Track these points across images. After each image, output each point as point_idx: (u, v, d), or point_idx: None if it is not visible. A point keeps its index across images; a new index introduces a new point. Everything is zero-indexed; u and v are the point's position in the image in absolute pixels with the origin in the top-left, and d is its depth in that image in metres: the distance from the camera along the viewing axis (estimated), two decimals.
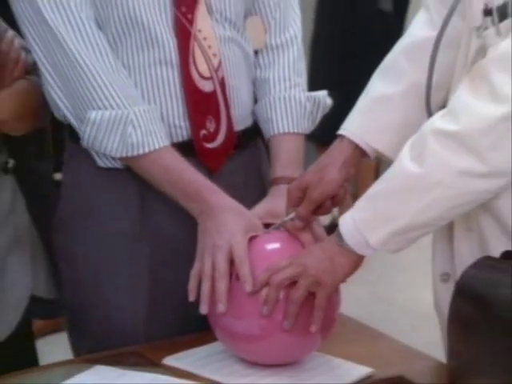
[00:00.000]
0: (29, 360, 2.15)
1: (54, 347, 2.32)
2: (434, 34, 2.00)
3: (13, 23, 2.13)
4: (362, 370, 1.95)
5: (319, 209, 2.04)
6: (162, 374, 1.95)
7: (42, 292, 2.15)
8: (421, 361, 2.04)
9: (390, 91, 2.08)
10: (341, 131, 2.06)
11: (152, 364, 1.98)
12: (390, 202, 1.83)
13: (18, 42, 2.13)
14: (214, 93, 2.09)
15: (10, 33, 2.12)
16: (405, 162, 1.81)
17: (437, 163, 1.76)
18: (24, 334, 2.12)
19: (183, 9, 2.04)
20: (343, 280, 1.93)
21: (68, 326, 2.26)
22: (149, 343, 2.09)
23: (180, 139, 2.08)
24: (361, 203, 1.88)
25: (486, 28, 1.84)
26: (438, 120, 1.79)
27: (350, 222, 1.86)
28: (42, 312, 2.23)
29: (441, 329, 2.04)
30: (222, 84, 2.11)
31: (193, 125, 2.08)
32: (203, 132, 2.09)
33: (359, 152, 2.06)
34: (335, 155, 2.06)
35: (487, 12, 1.82)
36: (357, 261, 1.89)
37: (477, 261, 1.78)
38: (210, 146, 2.10)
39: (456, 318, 1.79)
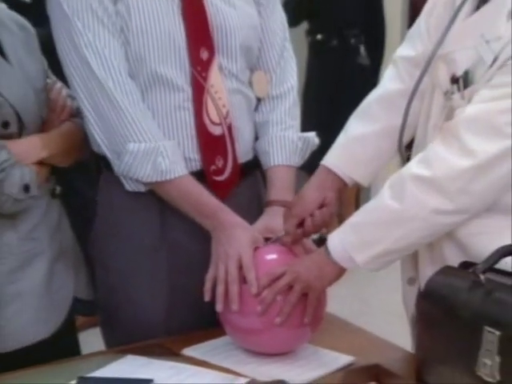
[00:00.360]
0: (72, 350, 2.14)
1: (93, 339, 2.31)
2: (400, 86, 2.06)
3: (59, 75, 2.16)
4: (345, 359, 1.96)
5: (305, 228, 2.04)
6: (182, 362, 1.95)
7: (83, 294, 2.15)
8: (393, 351, 2.04)
9: (364, 131, 2.09)
10: (322, 162, 2.08)
11: (173, 354, 1.99)
12: (373, 231, 1.84)
13: (64, 91, 2.14)
14: (222, 136, 2.10)
15: (59, 84, 2.13)
16: (386, 199, 1.83)
17: (413, 202, 1.79)
18: (69, 329, 2.12)
19: (199, 68, 2.05)
20: (329, 285, 1.95)
21: (101, 323, 2.26)
22: (170, 337, 2.08)
23: (194, 169, 2.08)
24: (347, 228, 1.90)
25: (453, 93, 1.85)
26: (415, 167, 1.82)
27: (338, 242, 1.88)
28: (83, 310, 2.23)
29: (409, 323, 2.06)
30: (230, 128, 2.11)
31: (204, 161, 2.09)
32: (213, 167, 2.10)
33: (337, 179, 2.07)
34: (314, 180, 2.08)
35: (454, 80, 1.85)
36: (341, 271, 1.90)
37: (440, 269, 1.79)
38: (218, 178, 2.11)
39: (423, 317, 1.80)
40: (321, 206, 2.06)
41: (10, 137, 1.98)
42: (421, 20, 2.09)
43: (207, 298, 1.99)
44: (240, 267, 1.97)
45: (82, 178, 2.25)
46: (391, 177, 1.87)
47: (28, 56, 2.09)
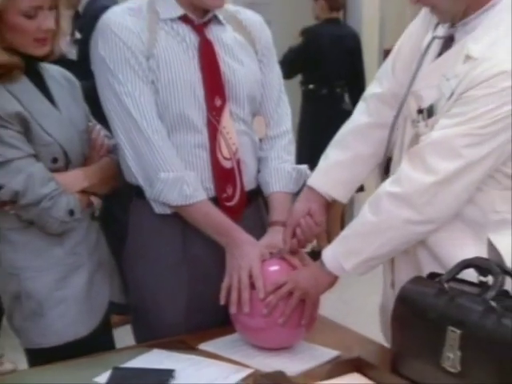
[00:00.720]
0: (108, 344, 2.15)
1: (125, 335, 2.30)
2: (368, 119, 2.06)
3: (98, 118, 2.18)
4: (333, 353, 1.96)
5: (297, 237, 2.04)
6: (198, 355, 1.96)
7: (117, 298, 2.14)
8: (372, 346, 2.03)
9: (339, 158, 2.08)
10: (307, 182, 2.10)
11: (191, 348, 1.99)
12: (357, 241, 1.86)
13: (102, 132, 2.15)
14: (232, 169, 2.09)
15: (98, 126, 2.14)
16: (365, 214, 1.84)
17: (388, 215, 1.80)
18: (105, 328, 2.12)
19: (214, 113, 2.05)
20: (323, 292, 1.95)
21: (132, 322, 2.25)
22: (188, 334, 2.07)
23: (209, 196, 2.06)
24: (337, 241, 1.90)
25: (419, 122, 1.85)
26: (388, 185, 1.82)
27: (330, 254, 1.89)
28: (117, 310, 2.22)
29: (385, 322, 2.02)
30: (238, 163, 2.10)
31: (217, 190, 2.08)
32: (224, 195, 2.09)
33: (319, 196, 2.07)
34: (301, 196, 2.10)
35: (420, 111, 1.85)
36: (333, 280, 1.92)
37: (412, 279, 1.80)
38: (229, 204, 2.10)
39: (398, 318, 1.80)
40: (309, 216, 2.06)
41: (58, 170, 1.99)
42: (387, 62, 2.09)
43: (222, 302, 1.99)
44: (250, 277, 1.98)
45: (116, 204, 2.23)
46: (371, 196, 1.88)
47: (73, 104, 2.10)
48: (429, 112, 1.84)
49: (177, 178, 2.01)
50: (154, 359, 1.94)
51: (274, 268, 2.03)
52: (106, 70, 2.01)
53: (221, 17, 2.11)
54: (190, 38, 2.06)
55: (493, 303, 1.59)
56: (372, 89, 2.12)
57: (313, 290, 1.95)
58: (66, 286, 2.02)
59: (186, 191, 2.02)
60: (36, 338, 2.02)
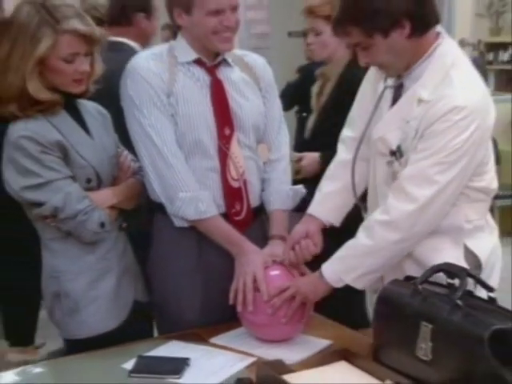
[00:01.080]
0: (133, 336, 2.06)
1: None
2: (348, 156, 2.03)
3: (125, 145, 2.18)
4: (324, 343, 1.96)
5: (295, 251, 2.03)
6: (210, 346, 1.96)
7: (141, 297, 2.13)
8: (359, 338, 2.02)
9: (331, 189, 2.08)
10: (307, 211, 2.09)
11: (204, 340, 1.99)
12: (356, 261, 1.85)
13: (129, 156, 2.15)
14: (240, 188, 2.09)
15: (125, 152, 2.14)
16: (361, 238, 1.85)
17: (380, 239, 1.81)
18: (131, 321, 2.07)
19: (223, 141, 2.05)
20: (320, 297, 1.95)
21: (155, 318, 2.25)
22: (201, 328, 2.05)
23: (220, 212, 2.06)
24: (336, 259, 1.89)
25: (393, 162, 1.86)
26: (378, 215, 1.83)
27: (330, 270, 1.89)
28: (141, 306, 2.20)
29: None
30: (245, 183, 2.10)
31: (227, 206, 2.08)
32: (233, 210, 2.08)
33: (318, 221, 2.07)
34: (302, 221, 2.08)
35: (392, 153, 1.85)
36: (329, 288, 1.91)
37: (391, 281, 1.80)
38: (237, 218, 2.09)
39: (378, 315, 1.80)
40: (306, 238, 2.05)
41: (91, 189, 1.99)
42: (353, 109, 2.09)
43: (231, 302, 2.00)
44: (254, 281, 1.98)
45: (140, 217, 2.23)
46: (363, 223, 1.89)
47: (105, 133, 2.10)
48: (399, 152, 1.84)
49: (193, 197, 2.01)
50: (173, 349, 1.94)
51: (275, 273, 2.03)
52: (133, 106, 2.02)
53: (229, 59, 2.12)
54: (204, 77, 2.07)
55: (459, 302, 1.59)
56: (346, 132, 2.12)
57: (312, 295, 1.95)
58: (97, 287, 2.01)
59: (200, 208, 2.02)
60: (73, 330, 2.02)
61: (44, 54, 1.89)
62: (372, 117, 1.90)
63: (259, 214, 2.19)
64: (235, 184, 2.09)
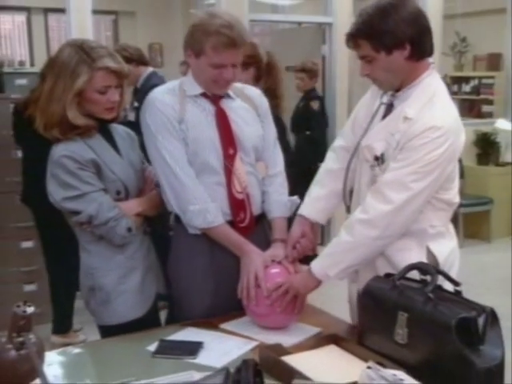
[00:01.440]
0: (156, 323, 2.14)
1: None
2: (337, 165, 2.05)
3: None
4: (315, 330, 1.95)
5: (297, 249, 2.05)
6: (219, 332, 1.95)
7: (161, 290, 2.12)
8: (345, 326, 2.02)
9: (320, 194, 2.09)
10: (298, 212, 2.11)
11: (215, 327, 1.98)
12: (339, 256, 1.85)
13: (152, 171, 2.12)
14: (243, 200, 2.07)
15: (149, 167, 2.13)
16: (343, 236, 1.85)
17: (360, 235, 1.81)
18: (154, 311, 2.10)
19: (228, 160, 2.04)
20: (310, 291, 1.95)
21: (173, 307, 2.21)
22: (213, 317, 2.03)
23: (227, 219, 2.05)
24: (323, 257, 1.90)
25: (375, 166, 1.86)
26: (358, 214, 1.83)
27: (318, 266, 1.89)
28: (162, 298, 2.21)
29: (352, 309, 2.04)
30: (247, 195, 2.09)
31: (233, 215, 2.07)
32: (238, 218, 2.07)
33: (308, 221, 2.08)
34: (295, 222, 2.10)
35: (376, 158, 1.85)
36: (318, 284, 1.92)
37: (373, 277, 1.79)
38: (241, 225, 2.08)
39: (362, 306, 1.80)
40: (302, 237, 2.07)
41: (120, 200, 1.99)
42: (348, 124, 2.10)
43: (239, 297, 2.00)
44: (256, 278, 1.98)
45: (161, 223, 2.22)
46: (344, 222, 1.88)
47: (132, 151, 2.10)
48: (382, 159, 1.84)
49: (201, 209, 2.01)
50: (189, 334, 1.93)
51: (274, 271, 2.02)
52: (150, 132, 2.02)
53: (231, 92, 2.12)
54: (209, 108, 2.07)
55: (430, 295, 1.59)
56: (338, 142, 2.13)
57: (303, 289, 1.95)
58: (126, 282, 2.01)
59: (208, 218, 2.01)
60: (106, 318, 2.02)
61: (82, 87, 1.91)
62: (368, 128, 1.91)
63: (261, 221, 2.18)
64: (239, 196, 2.07)
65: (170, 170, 2.01)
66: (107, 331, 2.02)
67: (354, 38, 1.80)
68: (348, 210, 2.04)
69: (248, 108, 2.15)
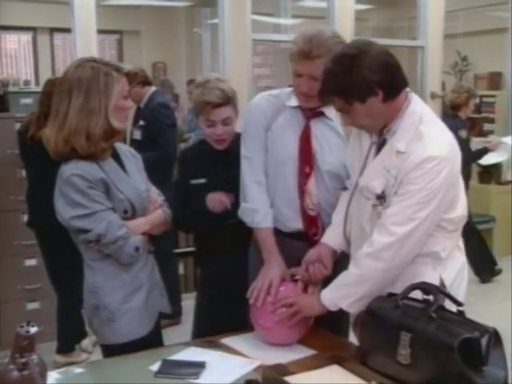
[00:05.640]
0: (158, 342, 2.12)
1: (171, 334, 2.27)
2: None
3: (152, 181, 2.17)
4: (309, 351, 1.93)
5: (309, 272, 2.01)
6: (222, 352, 1.92)
7: (165, 309, 2.12)
8: (347, 346, 2.01)
9: (336, 220, 2.05)
10: (321, 240, 2.07)
11: (215, 344, 1.97)
12: (349, 289, 1.84)
13: (156, 191, 2.14)
14: (315, 216, 2.12)
15: (153, 187, 2.13)
16: (351, 269, 1.84)
17: (367, 268, 1.80)
18: (157, 331, 2.09)
19: (303, 177, 2.08)
20: (315, 314, 1.95)
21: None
22: (214, 336, 2.03)
23: (300, 231, 2.11)
24: (333, 288, 1.88)
25: (378, 205, 1.84)
26: (365, 248, 1.81)
27: (328, 298, 1.88)
28: (164, 316, 2.20)
29: (353, 329, 2.04)
30: (319, 213, 2.12)
31: (305, 228, 2.11)
32: (311, 231, 2.12)
33: (328, 246, 2.04)
34: (315, 247, 2.06)
35: (378, 197, 1.83)
36: (324, 310, 1.90)
37: (376, 297, 1.79)
38: (315, 238, 2.10)
39: (365, 325, 1.79)
40: (317, 261, 2.02)
41: (127, 219, 1.98)
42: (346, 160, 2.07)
43: (248, 295, 2.01)
44: (269, 286, 2.00)
45: (165, 241, 2.22)
46: (355, 257, 1.87)
47: (137, 172, 2.10)
48: (384, 198, 1.83)
49: (252, 209, 2.11)
50: (191, 354, 1.92)
51: (287, 285, 2.03)
52: (242, 133, 2.17)
53: (331, 113, 2.05)
54: (300, 122, 2.09)
55: (433, 315, 1.59)
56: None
57: (306, 310, 1.94)
58: (130, 301, 1.99)
59: (256, 219, 2.10)
60: (110, 337, 2.01)
61: (119, 94, 1.94)
62: (363, 168, 1.89)
63: None
64: (311, 212, 2.11)
65: (244, 172, 2.13)
66: (110, 350, 2.01)
67: (324, 95, 1.80)
68: (348, 242, 2.02)
69: (341, 134, 2.10)
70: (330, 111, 2.05)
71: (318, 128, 2.09)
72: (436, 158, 1.72)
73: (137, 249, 1.96)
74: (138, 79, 3.76)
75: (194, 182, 2.32)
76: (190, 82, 5.59)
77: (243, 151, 2.14)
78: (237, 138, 2.25)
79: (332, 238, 2.06)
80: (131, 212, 2.00)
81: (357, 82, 1.72)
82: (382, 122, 1.82)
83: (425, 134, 1.76)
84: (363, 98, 1.74)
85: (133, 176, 2.06)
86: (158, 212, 2.10)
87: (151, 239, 2.07)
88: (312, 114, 2.08)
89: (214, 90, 2.22)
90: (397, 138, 1.80)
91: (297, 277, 2.04)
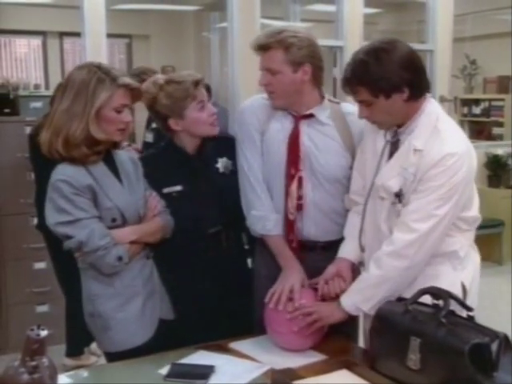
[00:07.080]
0: (162, 349, 1.98)
1: None
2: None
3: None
4: (320, 356, 1.91)
5: (329, 285, 1.99)
6: (230, 355, 1.92)
7: (166, 315, 2.07)
8: (357, 350, 2.01)
9: (349, 233, 2.05)
10: (337, 255, 2.05)
11: (225, 350, 1.96)
12: (370, 291, 1.84)
13: (156, 197, 2.08)
14: (292, 221, 2.08)
15: (154, 193, 2.08)
16: (372, 270, 1.84)
17: (388, 267, 1.81)
18: (159, 336, 2.02)
19: (288, 179, 2.05)
20: (334, 322, 1.93)
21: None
22: (222, 340, 2.02)
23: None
24: (353, 292, 1.89)
25: (397, 203, 1.84)
26: (385, 247, 1.82)
27: (349, 302, 1.88)
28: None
29: (363, 333, 2.04)
30: (299, 219, 2.09)
31: (284, 232, 2.09)
32: (288, 237, 2.09)
33: (346, 260, 2.02)
34: (333, 263, 2.03)
35: (396, 195, 1.83)
36: (345, 316, 1.90)
37: (385, 302, 1.79)
38: (292, 245, 2.09)
39: (375, 330, 1.79)
40: (338, 276, 2.00)
41: (117, 227, 1.93)
42: (355, 166, 2.06)
43: (267, 299, 2.00)
44: (290, 291, 1.99)
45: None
46: (373, 257, 1.86)
47: (136, 179, 2.05)
48: (402, 195, 1.83)
49: (262, 216, 2.09)
50: (200, 358, 1.91)
51: (307, 291, 2.03)
52: (237, 139, 2.15)
53: (323, 116, 2.07)
54: (288, 125, 2.08)
55: (443, 320, 1.59)
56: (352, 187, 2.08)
57: (326, 318, 1.93)
58: (125, 310, 1.96)
59: (267, 226, 2.09)
60: (105, 345, 1.99)
61: (103, 103, 1.87)
62: (378, 167, 1.89)
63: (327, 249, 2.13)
64: (291, 216, 2.08)
65: (246, 178, 2.11)
66: (111, 357, 2.00)
67: (351, 84, 1.80)
68: (362, 249, 2.01)
69: (336, 137, 2.08)
70: (323, 114, 2.07)
71: (308, 130, 2.07)
72: (455, 155, 1.74)
73: (119, 258, 1.90)
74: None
75: (166, 190, 2.13)
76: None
77: (241, 157, 2.11)
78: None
79: (348, 250, 2.05)
80: (121, 220, 1.95)
81: (387, 75, 1.74)
82: (397, 120, 1.84)
83: (442, 131, 1.79)
84: (389, 92, 1.76)
85: (127, 183, 2.00)
86: (155, 219, 2.04)
87: (148, 245, 2.03)
88: (299, 116, 2.07)
89: (184, 75, 2.15)
90: (414, 136, 1.81)
91: (316, 286, 2.03)
